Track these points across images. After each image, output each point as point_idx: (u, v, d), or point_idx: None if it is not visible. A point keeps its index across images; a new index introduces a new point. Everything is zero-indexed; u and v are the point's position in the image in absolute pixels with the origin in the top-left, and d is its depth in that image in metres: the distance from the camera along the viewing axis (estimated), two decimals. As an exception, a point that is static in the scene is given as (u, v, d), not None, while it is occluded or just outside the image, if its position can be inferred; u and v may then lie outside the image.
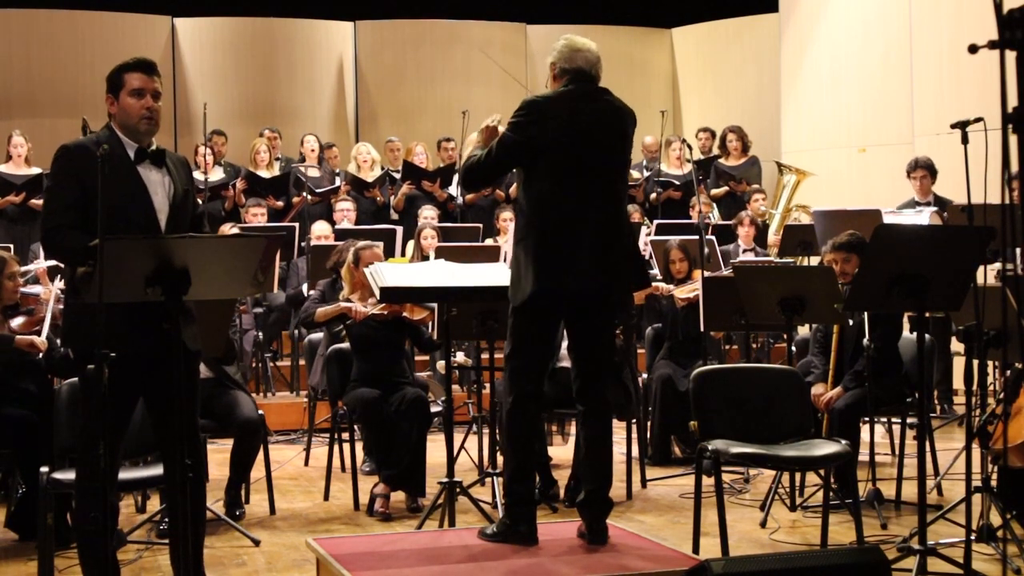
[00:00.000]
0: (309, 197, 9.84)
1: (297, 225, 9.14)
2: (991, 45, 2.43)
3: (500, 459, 5.85)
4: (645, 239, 8.94)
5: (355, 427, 6.26)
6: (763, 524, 5.29)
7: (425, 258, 8.02)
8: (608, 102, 4.39)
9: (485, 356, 6.25)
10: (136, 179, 3.89)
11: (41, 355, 5.25)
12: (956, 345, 7.51)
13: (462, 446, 6.51)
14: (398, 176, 10.41)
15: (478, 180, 4.59)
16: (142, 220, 3.86)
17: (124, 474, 4.46)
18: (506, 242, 7.69)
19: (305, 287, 8.12)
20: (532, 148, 4.23)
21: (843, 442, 4.64)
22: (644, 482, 6.22)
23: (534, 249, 4.21)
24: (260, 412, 5.62)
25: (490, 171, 4.40)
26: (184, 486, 3.59)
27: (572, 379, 4.41)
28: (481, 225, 9.25)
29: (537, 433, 5.70)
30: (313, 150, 10.67)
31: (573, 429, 5.54)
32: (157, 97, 3.96)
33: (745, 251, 8.82)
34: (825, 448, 4.60)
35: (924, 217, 7.93)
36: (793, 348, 5.79)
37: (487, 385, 6.27)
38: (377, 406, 5.71)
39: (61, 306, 4.58)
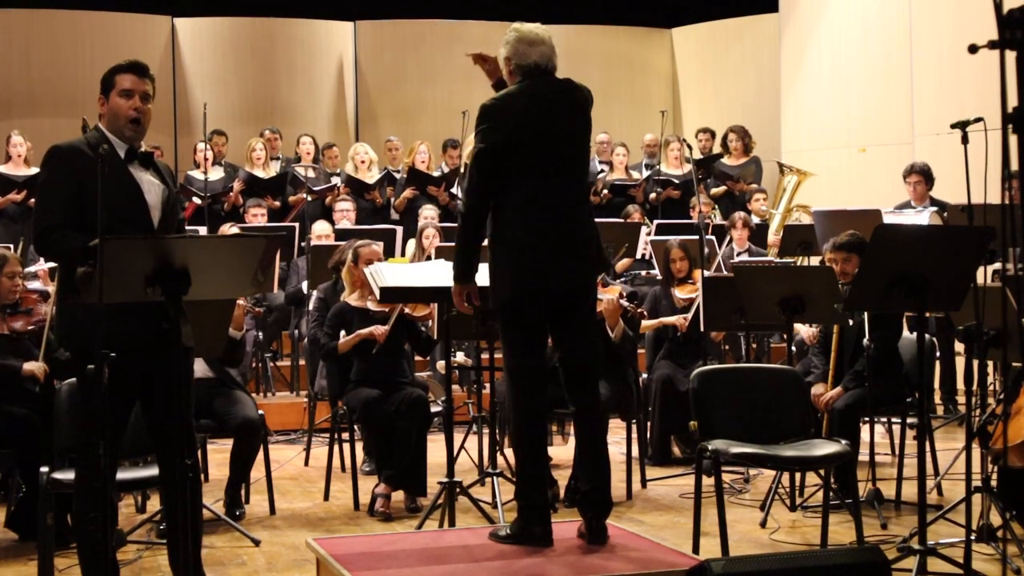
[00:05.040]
0: (308, 194, 9.84)
1: (297, 225, 9.15)
2: (991, 45, 2.44)
3: (500, 459, 5.86)
4: (645, 239, 8.94)
5: (355, 427, 6.26)
6: (763, 524, 5.29)
7: (427, 258, 8.02)
8: (565, 93, 4.32)
9: (485, 356, 6.25)
10: (129, 178, 3.91)
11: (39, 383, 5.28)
12: (959, 345, 7.51)
13: (462, 446, 6.51)
14: (398, 176, 10.40)
15: (480, 204, 4.28)
16: (137, 218, 3.87)
17: (123, 474, 4.47)
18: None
19: (305, 285, 8.12)
20: (504, 149, 4.20)
21: (843, 442, 4.64)
22: (644, 482, 6.22)
23: (508, 252, 4.20)
24: (260, 412, 5.62)
25: (484, 188, 4.24)
26: (183, 485, 3.59)
27: (562, 380, 4.37)
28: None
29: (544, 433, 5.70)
30: (309, 152, 10.67)
31: (573, 429, 5.53)
32: (146, 99, 3.97)
33: (739, 253, 8.80)
34: (825, 448, 4.60)
35: (924, 217, 7.93)
36: (793, 348, 5.79)
37: (487, 385, 6.28)
38: (377, 406, 5.71)
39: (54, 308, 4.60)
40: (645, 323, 6.80)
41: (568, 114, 4.30)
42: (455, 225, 4.29)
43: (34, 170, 9.25)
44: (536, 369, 4.30)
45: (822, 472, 4.89)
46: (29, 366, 5.27)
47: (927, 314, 4.51)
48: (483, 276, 4.40)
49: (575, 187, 4.30)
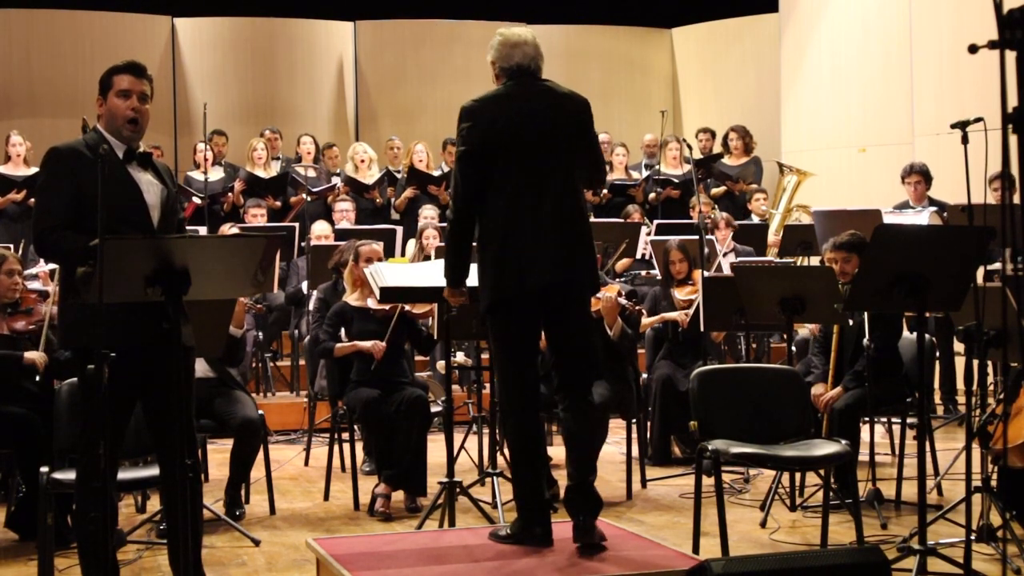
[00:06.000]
0: (308, 195, 9.83)
1: (297, 225, 9.14)
2: (991, 45, 2.44)
3: (500, 459, 5.86)
4: (645, 239, 8.94)
5: (355, 427, 6.26)
6: (763, 524, 5.29)
7: (427, 258, 8.02)
8: (546, 95, 4.31)
9: (485, 356, 6.25)
10: (128, 178, 3.91)
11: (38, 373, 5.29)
12: (958, 345, 7.50)
13: (462, 446, 6.51)
14: (399, 175, 10.41)
15: (465, 207, 4.31)
16: (137, 218, 3.88)
17: (123, 474, 4.46)
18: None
19: (305, 285, 8.12)
20: (484, 151, 4.19)
21: (843, 442, 4.64)
22: (644, 482, 6.22)
23: (492, 253, 4.19)
24: (260, 412, 5.63)
25: (470, 190, 4.26)
26: (184, 485, 3.59)
27: (554, 378, 4.34)
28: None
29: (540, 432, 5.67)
30: (309, 152, 10.67)
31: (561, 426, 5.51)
32: (144, 99, 3.98)
33: (725, 253, 8.78)
34: (825, 448, 4.60)
35: (924, 217, 7.94)
36: (793, 348, 5.79)
37: (487, 385, 6.28)
38: (377, 406, 5.71)
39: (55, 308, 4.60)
40: (646, 320, 6.81)
41: (549, 113, 4.27)
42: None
43: (33, 170, 9.25)
44: (528, 369, 4.28)
45: (822, 472, 4.89)
46: (30, 355, 5.28)
47: (927, 314, 4.51)
48: (475, 277, 4.40)
49: (559, 186, 4.24)
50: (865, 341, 5.50)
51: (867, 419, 5.63)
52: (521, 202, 4.19)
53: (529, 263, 4.17)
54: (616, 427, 6.61)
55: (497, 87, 4.37)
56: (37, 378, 5.29)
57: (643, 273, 9.25)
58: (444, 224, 8.95)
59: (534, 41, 4.36)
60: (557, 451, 6.19)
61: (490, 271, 4.22)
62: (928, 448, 5.40)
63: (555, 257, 4.20)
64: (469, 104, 4.29)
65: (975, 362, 4.99)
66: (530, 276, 4.17)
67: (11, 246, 7.54)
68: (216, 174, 10.20)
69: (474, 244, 4.34)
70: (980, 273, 4.78)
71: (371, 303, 5.94)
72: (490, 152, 4.20)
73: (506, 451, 5.38)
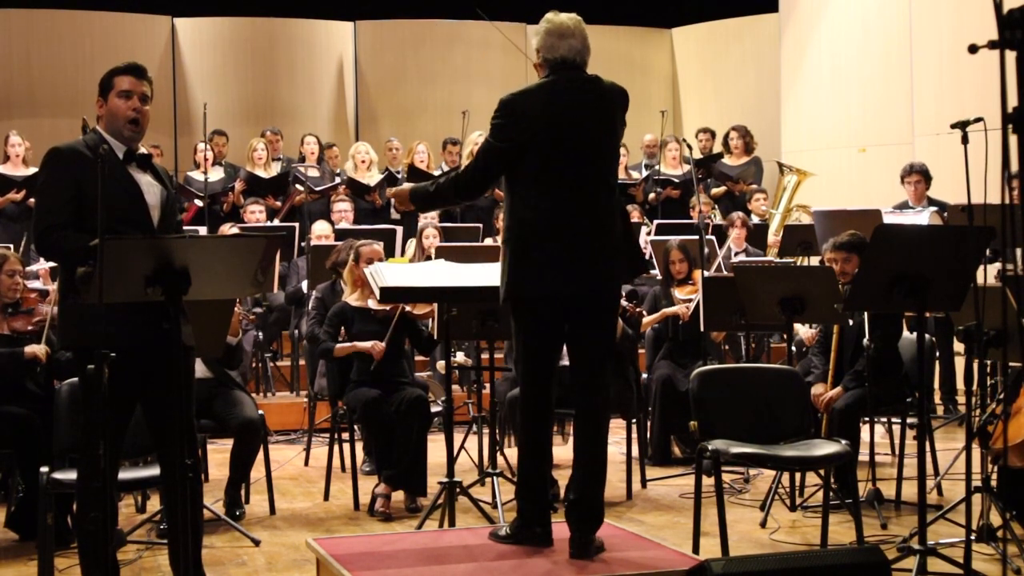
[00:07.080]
0: (308, 195, 9.83)
1: (297, 225, 9.14)
2: (991, 45, 2.44)
3: (500, 459, 5.86)
4: (645, 239, 8.95)
5: (355, 427, 6.26)
6: (763, 524, 5.29)
7: (427, 258, 8.02)
8: (591, 91, 4.20)
9: (485, 356, 6.25)
10: (128, 178, 3.93)
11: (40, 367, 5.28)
12: (958, 345, 7.51)
13: (462, 446, 6.51)
14: (399, 176, 10.40)
15: (471, 191, 4.34)
16: (138, 218, 3.89)
17: (123, 474, 4.46)
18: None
19: (305, 285, 8.12)
20: (516, 150, 4.10)
21: (843, 442, 4.64)
22: (644, 482, 6.22)
23: (516, 251, 4.10)
24: (260, 412, 5.63)
25: (481, 180, 4.25)
26: (183, 485, 3.59)
27: (569, 381, 4.28)
28: (481, 225, 9.26)
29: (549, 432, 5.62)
30: (313, 152, 10.67)
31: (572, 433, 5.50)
32: (145, 100, 3.99)
33: (737, 253, 8.79)
34: (825, 448, 4.60)
35: (924, 217, 7.94)
36: (793, 348, 5.79)
37: (487, 385, 6.28)
38: (377, 406, 5.71)
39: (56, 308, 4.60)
40: (646, 319, 6.81)
41: (589, 112, 4.16)
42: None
43: (32, 170, 9.25)
44: (542, 370, 4.20)
45: (822, 472, 4.89)
46: (31, 348, 5.28)
47: (927, 314, 4.51)
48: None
49: (596, 187, 4.14)
50: (865, 341, 5.50)
51: (867, 419, 5.63)
52: (553, 202, 4.07)
53: (555, 267, 4.06)
54: (616, 427, 6.59)
55: (539, 79, 4.24)
56: (39, 369, 5.29)
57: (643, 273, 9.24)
58: (444, 224, 9.01)
59: (582, 32, 4.24)
60: (557, 451, 6.18)
61: (512, 267, 4.11)
62: (928, 448, 5.40)
63: (587, 262, 4.09)
64: (508, 97, 4.17)
65: (975, 362, 4.99)
66: (555, 281, 4.07)
67: (11, 246, 7.53)
68: (216, 174, 10.21)
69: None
70: (982, 273, 4.77)
71: (371, 303, 5.94)
72: (519, 150, 4.10)
73: (507, 451, 5.40)
